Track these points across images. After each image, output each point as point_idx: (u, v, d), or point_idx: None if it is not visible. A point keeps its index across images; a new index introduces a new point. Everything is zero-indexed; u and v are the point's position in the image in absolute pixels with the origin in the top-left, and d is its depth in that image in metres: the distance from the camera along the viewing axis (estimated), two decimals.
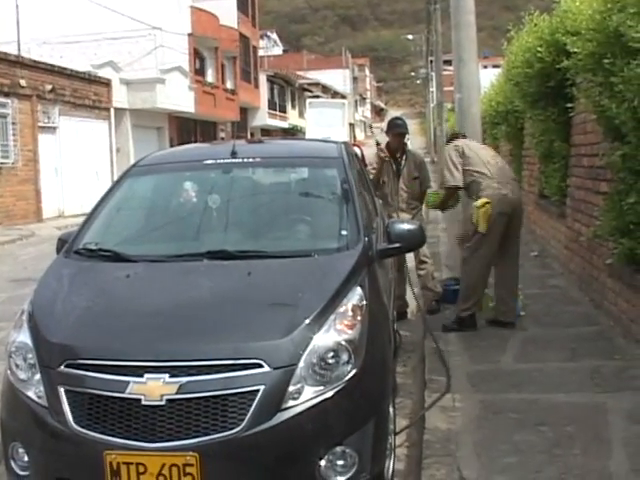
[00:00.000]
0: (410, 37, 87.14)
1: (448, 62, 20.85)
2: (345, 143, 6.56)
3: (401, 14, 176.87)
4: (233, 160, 5.69)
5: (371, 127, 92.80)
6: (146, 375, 3.79)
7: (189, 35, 39.90)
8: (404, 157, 9.03)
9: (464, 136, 8.36)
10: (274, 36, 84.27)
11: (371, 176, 8.64)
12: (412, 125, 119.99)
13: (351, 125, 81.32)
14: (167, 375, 3.77)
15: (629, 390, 5.77)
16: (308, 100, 54.21)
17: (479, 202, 7.49)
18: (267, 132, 59.83)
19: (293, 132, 66.26)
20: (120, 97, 33.15)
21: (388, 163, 8.96)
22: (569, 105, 8.92)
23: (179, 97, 36.66)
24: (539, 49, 9.53)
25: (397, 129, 9.03)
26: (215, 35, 43.37)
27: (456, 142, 8.04)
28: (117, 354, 3.91)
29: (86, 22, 34.84)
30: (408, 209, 8.97)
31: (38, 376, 4.05)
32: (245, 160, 5.78)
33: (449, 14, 9.41)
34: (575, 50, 7.24)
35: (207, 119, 44.09)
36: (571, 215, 9.87)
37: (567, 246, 10.15)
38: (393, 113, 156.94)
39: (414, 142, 59.88)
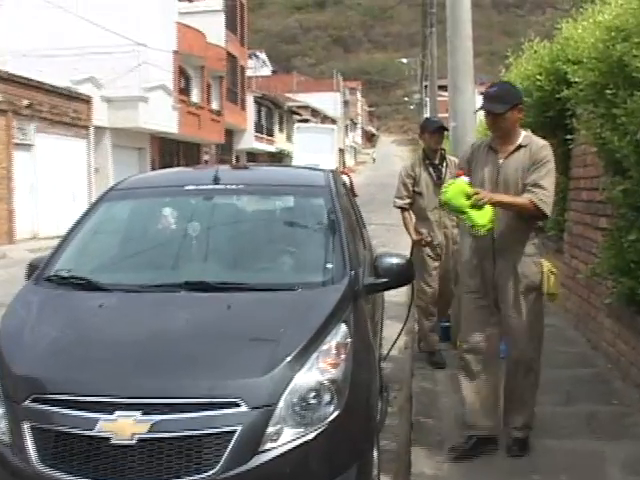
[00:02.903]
0: (404, 61, 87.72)
1: (443, 87, 20.87)
2: (333, 171, 6.55)
3: (396, 37, 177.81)
4: (215, 186, 5.70)
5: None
6: (117, 412, 3.73)
7: (174, 52, 40.02)
8: (444, 163, 8.28)
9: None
10: (263, 56, 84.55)
11: (404, 191, 8.21)
12: (404, 152, 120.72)
13: (341, 151, 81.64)
14: (139, 413, 3.72)
15: (628, 438, 5.72)
16: (296, 125, 54.52)
17: (548, 265, 5.64)
18: (253, 156, 59.92)
19: (280, 156, 66.38)
20: (100, 115, 33.19)
21: (426, 171, 8.20)
22: (568, 136, 8.93)
23: (162, 117, 36.70)
24: (538, 77, 9.56)
25: (434, 124, 8.33)
26: (201, 53, 43.52)
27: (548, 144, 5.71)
28: (86, 389, 3.86)
29: (67, 36, 34.73)
30: (451, 225, 8.20)
31: (1, 410, 3.99)
32: (228, 187, 5.79)
33: (445, 38, 9.43)
34: (576, 79, 7.26)
35: (191, 141, 44.13)
36: (568, 251, 9.86)
37: (564, 283, 10.13)
38: (385, 139, 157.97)
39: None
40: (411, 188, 8.19)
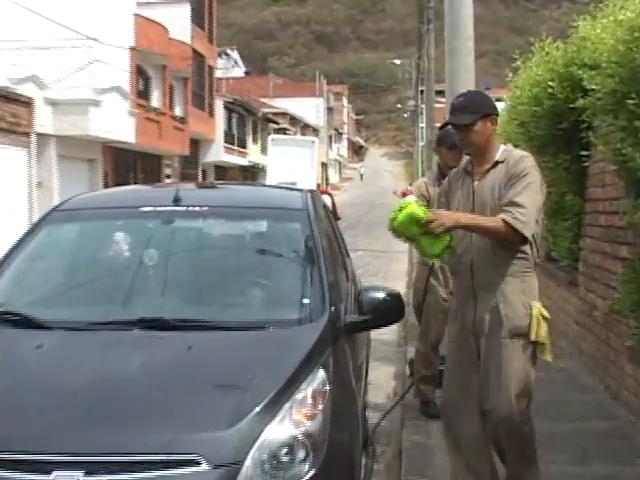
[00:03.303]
0: (397, 62, 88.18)
1: (442, 93, 20.97)
2: (312, 191, 6.58)
3: (387, 34, 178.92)
4: (176, 208, 5.71)
5: None
6: (55, 473, 3.68)
7: (131, 49, 39.98)
8: None
9: None
10: (235, 55, 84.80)
11: None
12: (396, 167, 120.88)
13: (324, 165, 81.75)
14: (81, 473, 3.68)
15: None
16: (271, 136, 54.52)
17: (539, 308, 5.31)
18: (222, 170, 59.96)
19: (254, 171, 66.45)
20: (44, 120, 32.96)
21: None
22: (584, 152, 8.96)
23: (117, 124, 36.57)
24: (550, 83, 9.58)
25: (454, 137, 7.29)
26: (163, 50, 43.53)
27: (530, 155, 5.54)
28: (20, 445, 3.81)
29: (4, 26, 34.53)
30: None
31: None
32: (191, 209, 5.80)
33: (444, 37, 9.50)
34: (593, 87, 7.30)
35: (150, 152, 44.06)
36: (584, 284, 9.89)
37: (578, 321, 10.16)
38: (374, 152, 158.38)
39: (397, 188, 60.17)
40: None
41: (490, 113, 5.43)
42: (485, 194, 5.33)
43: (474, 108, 5.40)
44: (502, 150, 5.44)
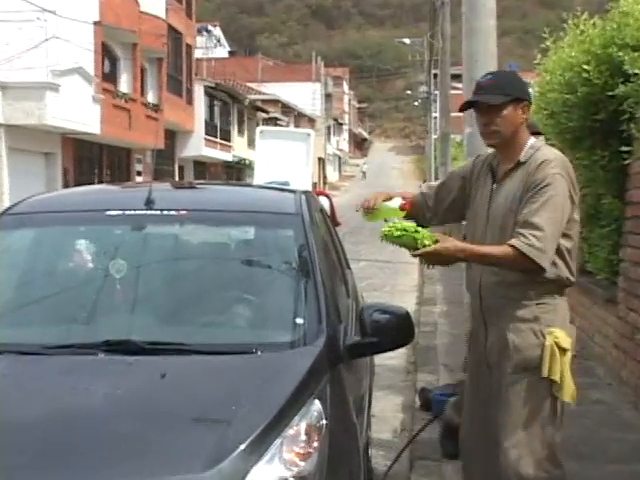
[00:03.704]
0: (407, 41, 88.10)
1: (458, 77, 20.96)
2: (307, 193, 6.56)
3: (396, 9, 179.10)
4: (148, 212, 5.69)
5: None
6: None
7: (96, 24, 39.82)
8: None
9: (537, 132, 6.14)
10: (217, 32, 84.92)
11: None
12: (405, 163, 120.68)
13: (321, 161, 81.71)
14: None
15: None
16: (259, 128, 54.50)
17: (556, 335, 5.05)
18: (203, 166, 59.94)
19: (240, 167, 66.39)
20: None
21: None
22: (625, 147, 8.95)
23: (79, 111, 36.36)
24: (585, 67, 9.57)
25: None
26: (133, 26, 43.40)
27: (556, 158, 5.24)
28: None
29: None
30: None
31: None
32: (165, 213, 5.79)
33: (462, 12, 9.48)
34: (636, 71, 7.30)
35: (118, 144, 43.98)
36: (625, 301, 9.86)
37: (618, 345, 10.14)
38: (379, 146, 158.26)
39: (406, 187, 60.05)
40: None
41: (523, 98, 5.29)
42: (499, 204, 5.23)
43: (506, 89, 5.22)
44: (528, 147, 5.26)
